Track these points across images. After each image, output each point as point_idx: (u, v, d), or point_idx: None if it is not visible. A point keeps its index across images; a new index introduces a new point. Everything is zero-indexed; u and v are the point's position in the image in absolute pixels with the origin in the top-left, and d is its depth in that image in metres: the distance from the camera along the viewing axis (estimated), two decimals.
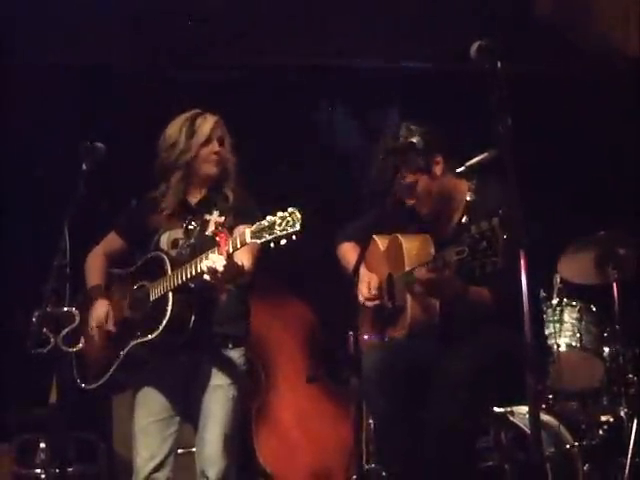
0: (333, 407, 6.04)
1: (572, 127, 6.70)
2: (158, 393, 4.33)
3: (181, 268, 4.08)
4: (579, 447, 4.91)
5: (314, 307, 6.38)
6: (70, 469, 5.26)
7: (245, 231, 3.77)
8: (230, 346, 4.35)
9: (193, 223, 4.38)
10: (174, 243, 4.37)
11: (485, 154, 4.46)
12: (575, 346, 5.59)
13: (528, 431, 4.37)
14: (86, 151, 4.24)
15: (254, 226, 3.74)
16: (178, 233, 4.39)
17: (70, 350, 4.06)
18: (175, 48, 6.75)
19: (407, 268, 4.28)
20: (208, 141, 4.41)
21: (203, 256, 3.95)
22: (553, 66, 7.01)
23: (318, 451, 5.97)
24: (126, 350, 4.24)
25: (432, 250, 4.25)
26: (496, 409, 4.60)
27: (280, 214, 3.70)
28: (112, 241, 4.62)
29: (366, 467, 4.68)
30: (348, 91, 7.09)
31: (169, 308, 4.09)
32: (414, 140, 4.29)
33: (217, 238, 3.90)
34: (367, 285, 4.44)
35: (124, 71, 6.82)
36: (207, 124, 4.42)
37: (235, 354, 4.36)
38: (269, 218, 3.71)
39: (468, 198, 4.39)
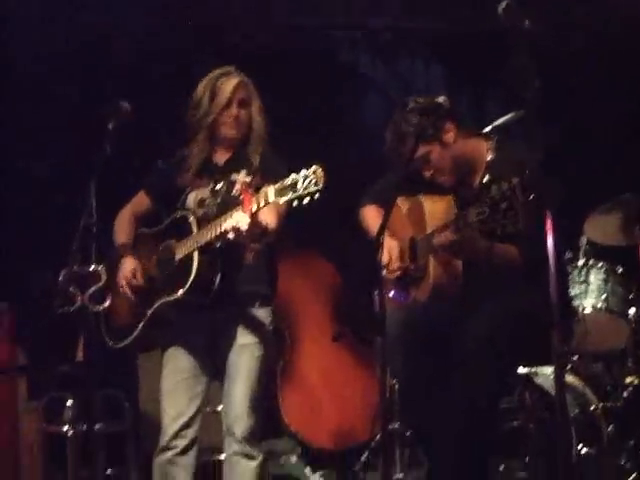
0: (358, 366, 6.06)
1: (600, 88, 6.65)
2: (185, 352, 4.35)
3: (206, 227, 4.09)
4: (603, 408, 4.91)
5: (339, 266, 6.39)
6: (97, 426, 5.31)
7: (268, 189, 3.76)
8: (257, 305, 4.36)
9: (220, 183, 4.38)
10: (201, 202, 4.37)
11: (512, 114, 4.45)
12: (600, 308, 5.57)
13: (553, 392, 4.37)
14: (112, 110, 4.23)
15: (277, 184, 3.72)
16: (205, 192, 4.39)
17: (97, 309, 4.08)
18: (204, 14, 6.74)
19: (429, 230, 4.27)
20: (228, 104, 4.37)
21: (228, 215, 3.95)
22: (581, 28, 6.94)
23: (342, 410, 6.00)
24: (152, 309, 4.26)
25: (454, 211, 4.23)
26: (520, 370, 4.60)
27: (303, 172, 3.67)
28: (141, 201, 4.63)
29: (390, 427, 4.70)
30: (371, 52, 7.06)
31: (194, 267, 4.10)
32: (440, 100, 4.26)
33: (241, 197, 3.90)
34: (388, 254, 4.42)
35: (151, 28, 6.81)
36: (228, 86, 4.38)
37: (262, 313, 4.37)
38: (293, 176, 3.69)
39: (489, 157, 4.36)
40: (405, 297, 4.48)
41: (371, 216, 4.71)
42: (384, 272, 4.37)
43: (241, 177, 4.35)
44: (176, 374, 4.35)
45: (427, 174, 4.33)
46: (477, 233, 3.96)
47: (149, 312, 4.28)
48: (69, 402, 5.60)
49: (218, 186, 4.38)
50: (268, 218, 4.08)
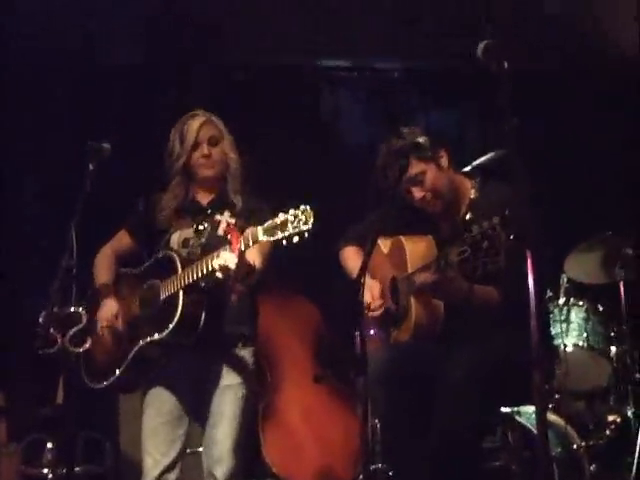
0: (339, 407, 6.03)
1: (579, 126, 6.69)
2: (168, 393, 4.32)
3: (192, 266, 4.07)
4: (586, 447, 4.90)
5: (320, 306, 6.38)
6: (77, 469, 5.27)
7: (257, 229, 3.77)
8: (240, 345, 4.35)
9: (204, 223, 4.38)
10: (185, 242, 4.36)
11: (492, 154, 4.48)
12: (582, 346, 5.59)
13: (535, 431, 4.36)
14: (92, 151, 4.23)
15: (266, 224, 3.74)
16: (189, 233, 4.38)
17: (77, 350, 4.06)
18: (184, 48, 6.75)
19: (410, 270, 4.27)
20: (197, 144, 4.40)
21: (214, 254, 3.94)
22: (560, 65, 7.00)
23: (324, 450, 5.96)
24: (135, 349, 4.22)
25: (435, 251, 4.24)
26: (503, 409, 4.59)
27: (292, 212, 3.70)
28: (122, 240, 4.60)
29: (372, 467, 4.67)
30: (355, 90, 7.09)
31: (179, 307, 4.07)
32: (420, 140, 4.30)
33: (229, 236, 3.90)
34: (370, 293, 4.43)
35: (131, 70, 6.82)
36: (194, 126, 4.41)
37: (245, 353, 4.36)
38: (281, 216, 3.71)
39: (472, 196, 4.38)
40: (385, 334, 4.49)
41: (352, 257, 4.72)
42: (366, 311, 4.38)
43: (225, 217, 4.36)
44: (158, 416, 4.31)
45: (417, 195, 4.34)
46: (457, 274, 3.97)
47: (131, 353, 4.24)
48: (49, 444, 5.56)
49: (202, 226, 4.37)
50: (254, 257, 4.09)
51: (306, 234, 3.68)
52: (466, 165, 4.58)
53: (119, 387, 4.42)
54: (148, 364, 4.29)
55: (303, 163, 6.85)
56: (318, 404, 6.06)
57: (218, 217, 4.38)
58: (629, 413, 5.27)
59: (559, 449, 4.79)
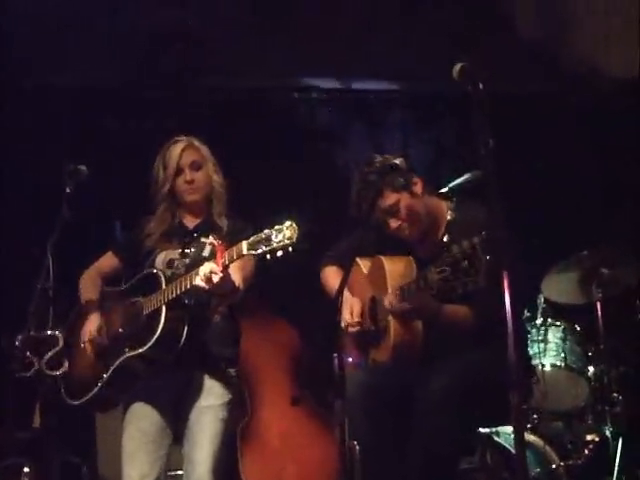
0: (318, 429, 6.01)
1: (555, 147, 6.73)
2: (149, 412, 4.29)
3: (175, 281, 4.08)
4: (564, 467, 4.92)
5: (298, 329, 6.37)
6: None
7: (242, 243, 3.79)
8: (223, 366, 4.33)
9: (191, 248, 4.37)
10: (170, 263, 4.36)
11: (468, 175, 4.49)
12: (559, 366, 5.60)
13: (513, 451, 4.37)
14: (70, 174, 4.23)
15: (251, 238, 3.77)
16: (174, 254, 4.38)
17: (53, 374, 4.04)
18: (163, 71, 6.76)
19: (390, 290, 4.28)
20: (180, 170, 4.42)
21: (199, 269, 3.95)
22: (536, 87, 7.05)
23: (303, 473, 5.93)
24: (116, 363, 4.19)
25: (414, 271, 4.25)
26: (481, 430, 4.59)
27: (277, 226, 3.73)
28: (108, 261, 4.59)
29: None
30: (333, 113, 7.11)
31: (161, 322, 4.06)
32: (397, 161, 4.32)
33: (215, 250, 3.92)
34: (350, 311, 4.44)
35: (115, 94, 6.82)
36: (175, 152, 4.43)
37: (227, 375, 4.34)
38: (266, 231, 3.74)
39: (449, 217, 4.40)
40: (363, 354, 4.49)
41: (332, 277, 4.72)
42: (344, 327, 4.39)
43: (211, 240, 4.32)
44: (139, 436, 4.27)
45: (394, 225, 4.36)
46: (427, 294, 3.99)
47: (112, 368, 4.20)
48: (26, 469, 5.50)
49: (187, 249, 4.38)
50: (236, 277, 4.10)
51: (290, 248, 3.70)
52: (443, 186, 4.59)
53: (98, 403, 4.38)
54: (129, 379, 4.26)
55: (283, 184, 6.85)
56: (297, 426, 6.05)
57: (204, 239, 4.36)
58: (607, 433, 5.28)
59: (538, 469, 4.81)
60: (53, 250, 4.15)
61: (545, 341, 5.61)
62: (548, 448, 4.96)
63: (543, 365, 5.55)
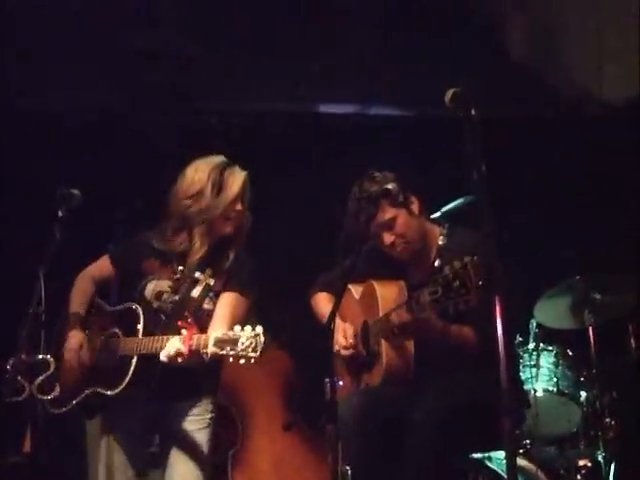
0: (310, 454, 5.99)
1: (548, 172, 6.75)
2: (121, 446, 4.23)
3: (148, 339, 4.02)
4: None
5: (290, 353, 6.36)
6: None
7: (210, 338, 3.77)
8: (198, 396, 4.28)
9: (184, 284, 4.25)
10: (158, 295, 4.25)
11: (460, 200, 4.51)
12: (552, 391, 5.59)
13: (505, 476, 4.35)
14: (62, 197, 4.21)
15: (220, 334, 3.75)
16: (164, 285, 4.27)
17: (44, 398, 4.01)
18: (157, 93, 6.77)
19: (381, 314, 4.28)
20: (235, 200, 4.19)
21: (168, 338, 3.91)
22: (527, 112, 7.07)
23: None
24: (85, 393, 4.14)
25: (406, 295, 4.25)
26: (473, 455, 4.58)
27: (247, 333, 3.71)
28: (103, 266, 4.49)
29: None
30: (322, 137, 7.12)
31: (131, 370, 4.02)
32: (389, 186, 4.32)
33: (183, 330, 3.88)
34: (343, 334, 4.44)
35: (108, 116, 6.82)
36: (238, 181, 4.19)
37: (203, 404, 4.28)
38: (236, 332, 3.72)
39: (440, 242, 4.40)
40: (356, 379, 4.48)
41: (322, 303, 4.72)
42: (337, 350, 4.38)
43: (205, 277, 4.24)
44: (112, 472, 4.21)
45: (387, 239, 4.35)
46: (432, 313, 3.97)
47: (82, 396, 4.15)
48: None
49: (179, 283, 4.26)
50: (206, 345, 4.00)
51: (252, 360, 3.70)
52: (435, 212, 4.60)
53: (79, 413, 4.29)
54: (98, 408, 4.22)
55: (272, 210, 6.86)
56: (289, 451, 6.03)
57: (198, 275, 4.24)
58: (600, 458, 5.26)
59: None
60: (45, 275, 4.13)
61: (537, 366, 5.61)
62: (540, 473, 4.94)
63: (535, 390, 5.55)
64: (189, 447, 4.20)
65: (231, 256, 4.29)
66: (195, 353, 3.87)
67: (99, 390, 4.10)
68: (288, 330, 6.33)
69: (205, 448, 4.24)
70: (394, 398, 4.28)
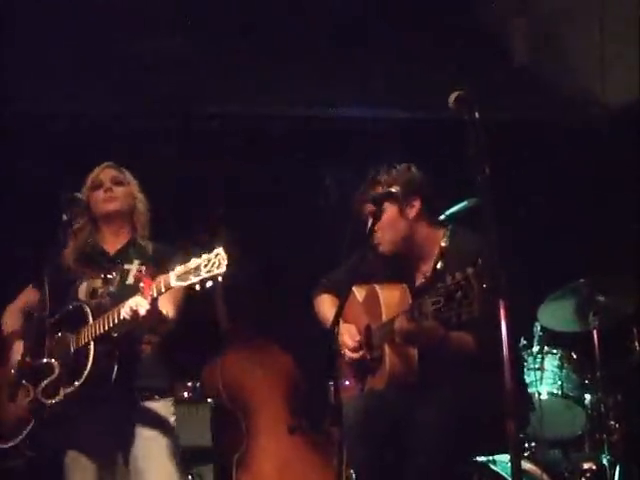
0: (314, 457, 6.00)
1: (551, 175, 6.75)
2: (87, 459, 4.19)
3: (103, 316, 4.00)
4: None
5: (295, 356, 6.36)
6: None
7: (170, 274, 3.74)
8: (157, 397, 4.27)
9: (113, 273, 4.31)
10: (93, 292, 4.28)
11: (464, 203, 4.50)
12: (556, 394, 5.59)
13: None
14: (67, 202, 4.21)
15: (178, 268, 3.71)
16: (97, 282, 4.31)
17: (49, 402, 4.00)
18: (155, 98, 6.78)
19: (384, 318, 4.27)
20: (98, 185, 4.43)
21: (126, 302, 3.89)
22: (531, 114, 7.07)
23: None
24: (48, 406, 4.05)
25: (409, 299, 4.25)
26: (478, 458, 4.58)
27: (205, 256, 3.67)
28: (28, 297, 4.50)
29: None
30: (327, 141, 7.12)
31: (90, 358, 3.99)
32: (393, 190, 4.32)
33: (140, 284, 3.87)
34: (349, 335, 4.43)
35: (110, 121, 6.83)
36: (95, 170, 4.47)
37: (161, 406, 4.28)
38: (194, 260, 3.68)
39: (443, 244, 4.40)
40: (360, 383, 4.48)
41: (326, 305, 4.72)
42: (345, 353, 4.38)
43: (135, 266, 4.31)
44: None
45: (375, 229, 4.36)
46: (434, 322, 3.97)
47: (43, 412, 4.06)
48: None
49: (110, 276, 4.30)
50: (167, 307, 4.06)
51: (220, 278, 3.64)
52: (438, 215, 4.60)
53: (30, 447, 4.17)
54: (61, 420, 4.12)
55: (277, 212, 6.87)
56: (293, 454, 6.03)
57: (127, 266, 4.33)
58: (604, 461, 5.26)
59: None
60: (50, 279, 4.13)
61: (542, 369, 5.61)
62: (545, 476, 4.93)
63: (540, 393, 5.54)
64: (155, 455, 4.19)
65: (149, 245, 4.42)
66: (155, 309, 3.88)
67: (58, 397, 4.02)
68: (292, 333, 6.34)
69: (171, 453, 4.22)
70: (398, 402, 4.27)
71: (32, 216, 6.23)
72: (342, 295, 4.01)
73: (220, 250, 3.67)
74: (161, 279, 3.80)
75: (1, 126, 6.62)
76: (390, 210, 4.36)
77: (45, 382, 4.02)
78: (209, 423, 6.13)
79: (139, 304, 3.83)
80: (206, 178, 6.77)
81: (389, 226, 4.38)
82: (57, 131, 6.72)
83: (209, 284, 3.66)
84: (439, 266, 4.33)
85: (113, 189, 4.42)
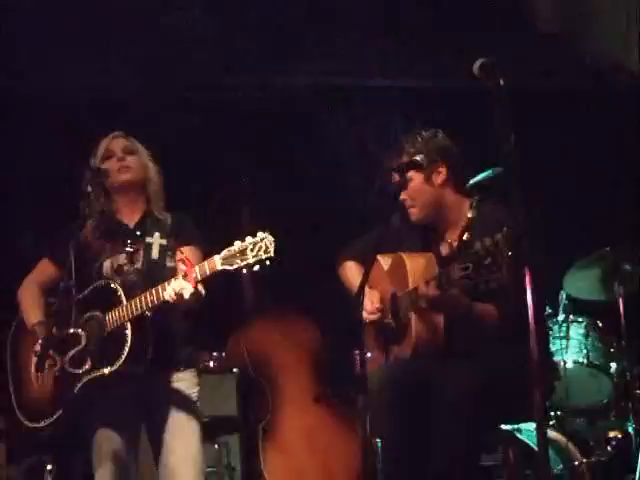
0: (340, 426, 6.02)
1: (576, 142, 6.71)
2: (117, 433, 4.19)
3: (140, 296, 3.99)
4: (587, 464, 4.89)
5: (320, 326, 6.38)
6: None
7: (215, 258, 3.74)
8: (181, 369, 4.27)
9: (135, 247, 4.26)
10: (119, 269, 4.24)
11: (489, 172, 4.48)
12: (582, 362, 5.58)
13: (535, 448, 4.36)
14: (91, 174, 4.21)
15: (224, 252, 3.71)
16: (120, 259, 4.26)
17: (76, 372, 4.02)
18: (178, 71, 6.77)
19: (411, 286, 4.27)
20: (109, 155, 4.35)
21: (165, 284, 3.89)
22: (556, 81, 7.03)
23: (325, 470, 5.95)
24: (81, 384, 4.05)
25: (435, 268, 4.24)
26: (503, 427, 4.58)
27: (250, 239, 3.67)
28: (45, 270, 4.44)
29: None
30: (352, 109, 7.11)
31: (129, 338, 3.98)
32: (418, 158, 4.31)
33: (182, 266, 3.87)
34: (370, 300, 4.44)
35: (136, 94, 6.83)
36: (104, 140, 4.39)
37: (186, 376, 4.28)
38: (239, 244, 3.68)
39: (470, 214, 4.39)
40: (385, 358, 4.48)
41: (351, 272, 4.72)
42: (365, 317, 4.38)
43: (156, 240, 4.28)
44: (110, 462, 4.17)
45: (403, 196, 4.37)
46: (459, 290, 3.97)
47: (77, 388, 4.05)
48: (49, 466, 5.53)
49: (135, 251, 4.27)
50: (200, 286, 4.01)
51: (268, 262, 3.65)
52: (464, 183, 4.58)
53: (64, 425, 4.17)
54: (95, 399, 4.13)
55: (301, 181, 6.87)
56: (318, 423, 6.06)
57: (148, 239, 4.28)
58: (630, 429, 5.26)
59: (560, 466, 4.78)
60: (75, 249, 4.14)
61: (567, 337, 5.61)
62: (570, 445, 4.94)
63: (565, 362, 5.54)
64: (183, 426, 4.20)
65: (167, 216, 4.36)
66: (199, 292, 3.89)
67: (96, 375, 4.03)
68: (317, 302, 6.35)
69: (197, 423, 4.23)
70: (423, 370, 4.27)
71: (49, 191, 6.29)
72: (367, 263, 4.01)
73: (266, 234, 3.67)
74: (206, 263, 3.80)
75: (22, 100, 6.63)
76: (416, 178, 4.36)
77: (72, 352, 4.03)
78: (235, 393, 6.16)
79: (184, 287, 3.82)
80: (234, 150, 6.79)
81: (416, 194, 4.38)
82: (79, 106, 6.71)
83: (256, 268, 3.66)
84: (465, 235, 4.32)
85: (126, 159, 4.35)
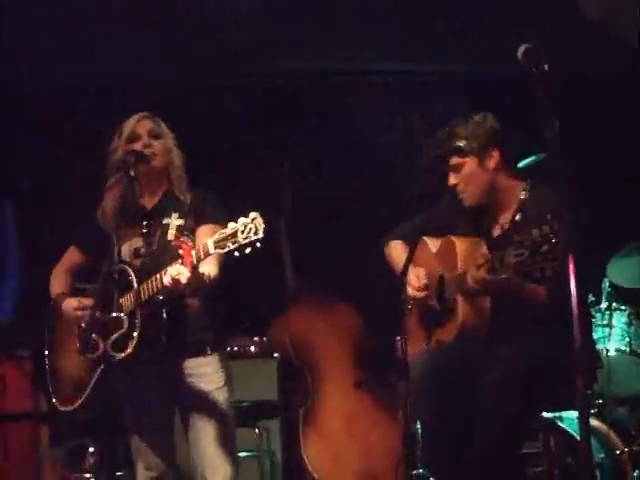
0: (380, 411, 6.01)
1: (619, 129, 6.66)
2: (144, 416, 4.26)
3: (146, 282, 4.00)
4: (629, 452, 4.86)
5: (361, 311, 6.37)
6: (119, 473, 5.28)
7: (207, 242, 3.72)
8: (208, 352, 4.26)
9: (152, 229, 4.26)
10: (136, 252, 4.24)
11: (533, 157, 4.46)
12: (624, 350, 5.56)
13: (577, 437, 4.34)
14: (136, 157, 4.21)
15: (216, 235, 3.69)
16: (138, 242, 4.26)
17: (119, 356, 4.05)
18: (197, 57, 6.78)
19: (460, 269, 4.26)
20: (136, 137, 4.27)
21: (168, 268, 3.88)
22: (601, 69, 6.98)
23: (365, 456, 5.95)
24: (98, 372, 4.10)
25: (485, 252, 4.22)
26: (545, 414, 4.57)
27: (242, 220, 3.63)
28: (72, 257, 4.49)
29: (413, 472, 4.68)
30: (398, 94, 7.10)
31: (137, 325, 4.00)
32: (460, 144, 4.30)
33: (180, 250, 3.84)
34: (415, 275, 4.42)
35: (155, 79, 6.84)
36: (130, 121, 4.30)
37: (212, 359, 4.27)
38: (231, 225, 3.65)
39: (522, 197, 4.37)
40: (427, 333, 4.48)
41: (396, 252, 4.70)
42: (410, 294, 4.37)
43: (173, 220, 4.26)
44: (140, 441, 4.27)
45: (453, 180, 4.40)
46: (511, 274, 3.94)
47: (94, 378, 4.11)
48: (90, 449, 5.57)
49: (151, 233, 4.26)
50: (209, 268, 4.01)
51: (258, 244, 3.61)
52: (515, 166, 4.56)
53: (92, 407, 4.23)
54: (116, 381, 4.17)
55: (337, 165, 6.86)
56: (359, 408, 6.06)
57: (166, 220, 4.26)
58: None
59: (602, 455, 4.76)
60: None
61: (610, 325, 5.58)
62: (612, 433, 4.91)
63: (607, 350, 5.51)
64: (210, 410, 4.20)
65: (187, 196, 4.31)
66: (196, 276, 3.86)
67: (114, 360, 4.05)
68: (358, 286, 6.35)
69: (226, 406, 4.23)
70: (466, 355, 4.27)
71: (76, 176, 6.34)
72: (412, 244, 4.00)
73: (256, 214, 3.63)
74: (200, 247, 3.79)
75: (53, 83, 6.66)
76: (470, 162, 4.35)
77: (115, 335, 4.06)
78: (276, 377, 6.18)
79: (180, 272, 3.81)
80: (272, 134, 6.78)
81: (470, 179, 4.37)
82: (113, 90, 6.74)
83: (247, 250, 3.62)
84: (518, 218, 4.31)
85: (152, 144, 4.28)
